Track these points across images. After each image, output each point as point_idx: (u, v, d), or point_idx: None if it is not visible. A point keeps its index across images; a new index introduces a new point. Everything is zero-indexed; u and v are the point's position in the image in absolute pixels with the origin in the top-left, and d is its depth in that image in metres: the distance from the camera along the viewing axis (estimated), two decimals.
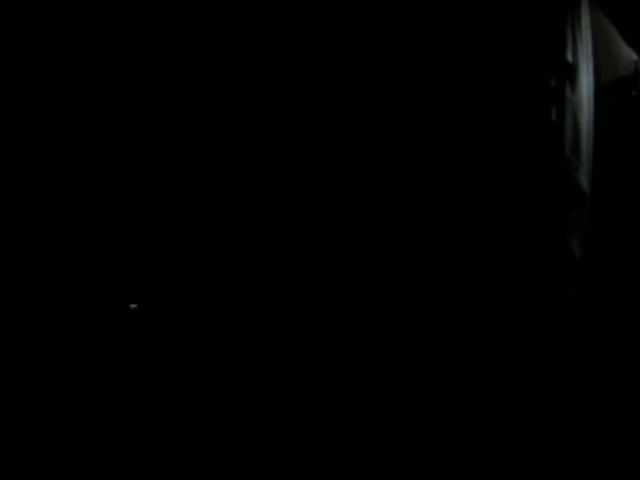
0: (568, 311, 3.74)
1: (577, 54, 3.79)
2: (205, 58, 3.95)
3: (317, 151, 4.06)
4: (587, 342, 3.24)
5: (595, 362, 3.04)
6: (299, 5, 3.96)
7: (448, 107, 4.02)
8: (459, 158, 4.03)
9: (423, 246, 4.08)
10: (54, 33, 3.79)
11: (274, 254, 3.98)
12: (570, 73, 3.79)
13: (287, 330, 3.49)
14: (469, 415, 2.61)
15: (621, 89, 3.94)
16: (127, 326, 3.64)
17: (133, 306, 3.84)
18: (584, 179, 3.83)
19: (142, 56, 3.90)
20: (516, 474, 2.26)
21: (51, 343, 3.30)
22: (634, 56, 3.91)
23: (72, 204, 3.88)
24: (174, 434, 2.49)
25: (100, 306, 3.77)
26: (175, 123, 3.95)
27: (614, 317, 3.57)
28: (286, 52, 3.99)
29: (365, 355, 3.18)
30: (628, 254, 3.93)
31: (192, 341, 3.36)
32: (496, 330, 3.44)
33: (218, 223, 3.97)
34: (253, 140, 4.03)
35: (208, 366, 3.05)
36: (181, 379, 2.91)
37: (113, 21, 3.85)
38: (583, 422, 2.56)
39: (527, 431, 2.49)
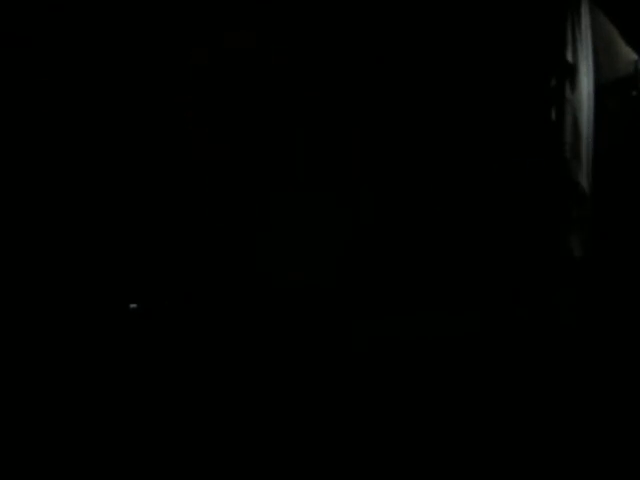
0: (568, 311, 3.74)
1: (577, 54, 3.79)
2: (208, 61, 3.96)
3: (318, 155, 4.07)
4: (586, 342, 3.24)
5: (594, 362, 3.04)
6: (297, 10, 3.97)
7: (448, 107, 4.02)
8: (458, 158, 4.03)
9: (422, 246, 4.08)
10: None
11: (274, 254, 3.98)
12: (570, 73, 3.79)
13: (287, 331, 3.49)
14: (468, 415, 2.61)
15: (621, 89, 3.93)
16: (127, 326, 3.64)
17: (133, 306, 3.84)
18: (584, 179, 3.82)
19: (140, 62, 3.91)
20: (517, 474, 2.27)
21: (51, 343, 3.30)
22: (634, 56, 3.90)
23: (72, 204, 3.88)
24: (174, 433, 2.49)
25: (100, 306, 3.77)
26: (177, 125, 3.95)
27: (614, 317, 3.57)
28: (287, 55, 3.99)
29: (365, 356, 3.18)
30: (628, 254, 3.92)
31: (192, 341, 3.37)
32: (495, 330, 3.44)
33: (218, 224, 3.97)
34: (256, 143, 4.04)
35: (208, 366, 3.06)
36: (181, 379, 2.91)
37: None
38: (581, 421, 2.57)
39: (527, 432, 2.50)
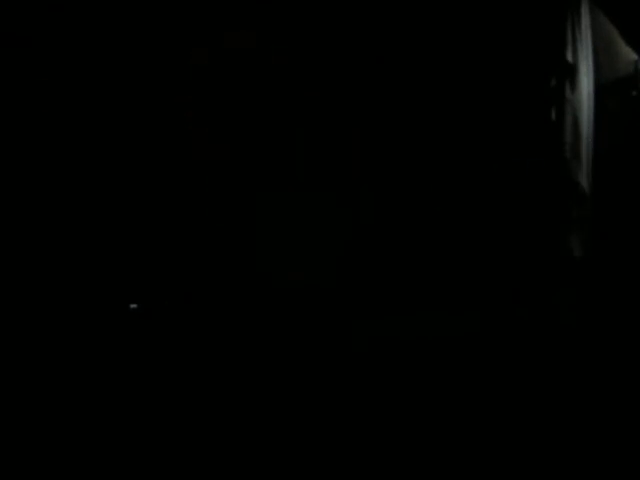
0: (568, 311, 3.74)
1: (577, 54, 3.79)
2: (209, 61, 3.96)
3: (318, 155, 4.07)
4: (586, 342, 3.24)
5: (594, 362, 3.04)
6: (297, 10, 3.96)
7: (448, 107, 4.02)
8: (459, 158, 4.03)
9: (423, 246, 4.08)
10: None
11: (274, 254, 3.98)
12: (570, 73, 3.79)
13: (287, 330, 3.49)
14: (469, 415, 2.61)
15: (621, 89, 3.93)
16: (127, 326, 3.64)
17: (133, 306, 3.84)
18: (584, 179, 3.82)
19: (139, 60, 3.91)
20: (517, 474, 2.26)
21: (51, 343, 3.30)
22: (634, 56, 3.91)
23: (72, 204, 3.88)
24: (174, 434, 2.49)
25: (100, 306, 3.77)
26: (177, 125, 3.95)
27: (614, 317, 3.57)
28: (286, 57, 3.99)
29: (365, 356, 3.18)
30: (628, 254, 3.93)
31: (192, 341, 3.37)
32: (495, 330, 3.44)
33: (218, 224, 3.97)
34: (255, 143, 4.04)
35: (208, 366, 3.05)
36: (181, 379, 2.91)
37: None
38: (581, 422, 2.56)
39: (526, 432, 2.50)
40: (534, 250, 3.88)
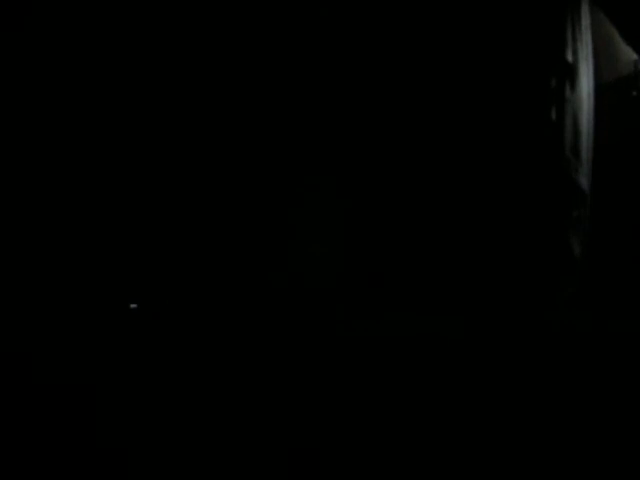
0: (568, 311, 3.74)
1: (577, 54, 3.79)
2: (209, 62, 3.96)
3: (315, 154, 4.06)
4: (586, 342, 3.24)
5: (595, 362, 3.04)
6: (296, 9, 3.97)
7: (447, 107, 4.02)
8: (458, 158, 4.03)
9: (422, 246, 4.08)
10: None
11: (272, 255, 3.98)
12: (570, 73, 3.79)
13: (286, 330, 3.49)
14: (467, 415, 2.61)
15: (621, 89, 3.94)
16: (127, 326, 3.64)
17: (133, 306, 3.84)
18: (584, 179, 3.83)
19: (144, 61, 3.91)
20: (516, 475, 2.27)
21: (51, 343, 3.30)
22: (634, 56, 3.91)
23: (72, 203, 3.88)
24: (174, 435, 2.49)
25: (100, 306, 3.77)
26: (178, 125, 3.95)
27: (614, 317, 3.57)
28: (285, 57, 3.99)
29: (364, 356, 3.18)
30: (628, 254, 3.93)
31: (193, 342, 3.37)
32: (495, 330, 3.44)
33: (218, 224, 3.97)
34: (252, 143, 4.04)
35: (208, 366, 3.06)
36: (181, 380, 2.91)
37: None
38: (581, 423, 2.57)
39: (525, 432, 2.50)
40: (534, 250, 3.88)
